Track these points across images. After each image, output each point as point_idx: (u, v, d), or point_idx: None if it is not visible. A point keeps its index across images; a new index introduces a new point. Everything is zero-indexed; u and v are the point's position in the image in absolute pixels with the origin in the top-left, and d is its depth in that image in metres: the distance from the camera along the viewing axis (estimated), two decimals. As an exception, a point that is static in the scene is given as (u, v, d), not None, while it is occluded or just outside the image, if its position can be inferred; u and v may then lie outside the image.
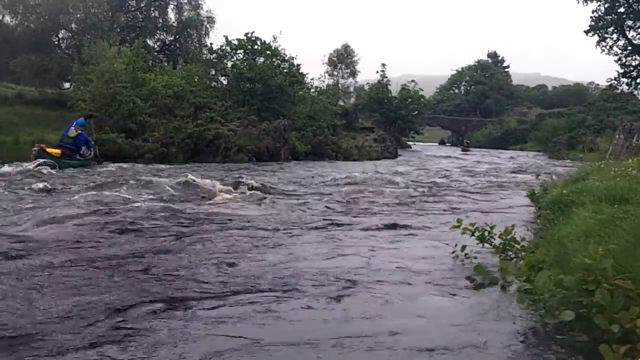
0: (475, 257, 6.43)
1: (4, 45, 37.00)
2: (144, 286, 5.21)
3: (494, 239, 6.45)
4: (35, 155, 18.34)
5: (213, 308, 4.67)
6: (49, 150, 18.92)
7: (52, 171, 16.62)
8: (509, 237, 6.33)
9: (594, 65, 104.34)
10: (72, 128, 20.47)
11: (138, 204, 10.15)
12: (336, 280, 5.60)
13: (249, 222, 8.98)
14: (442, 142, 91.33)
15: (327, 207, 11.41)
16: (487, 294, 5.21)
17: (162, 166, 21.60)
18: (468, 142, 68.60)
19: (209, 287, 5.25)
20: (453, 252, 6.67)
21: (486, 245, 6.62)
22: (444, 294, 5.26)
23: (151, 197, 11.54)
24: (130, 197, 11.11)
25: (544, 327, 4.15)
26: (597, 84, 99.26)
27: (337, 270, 6.00)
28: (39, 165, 17.29)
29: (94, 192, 11.45)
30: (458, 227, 6.69)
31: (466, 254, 6.47)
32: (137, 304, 4.66)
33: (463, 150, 58.01)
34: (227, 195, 12.11)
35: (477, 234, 6.56)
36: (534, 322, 4.33)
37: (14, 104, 30.72)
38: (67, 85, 41.47)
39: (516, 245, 6.22)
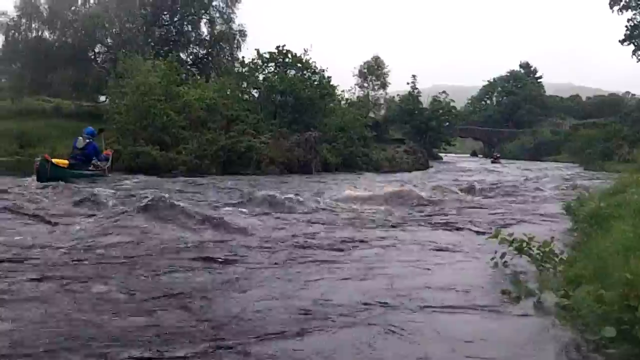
0: (509, 267, 6.39)
1: (43, 60, 37.75)
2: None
3: (532, 250, 6.37)
4: (38, 166, 16.69)
5: (225, 346, 4.15)
6: (55, 161, 17.26)
7: (60, 184, 15.02)
8: (547, 249, 6.25)
9: (630, 75, 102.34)
10: (80, 138, 18.95)
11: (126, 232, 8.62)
12: (364, 305, 5.20)
13: (266, 242, 8.41)
14: (473, 154, 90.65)
15: (351, 223, 10.95)
16: (525, 309, 5.14)
17: (182, 179, 21.28)
18: (498, 154, 68.00)
19: (219, 323, 4.66)
20: (493, 259, 6.62)
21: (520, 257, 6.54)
22: (480, 310, 5.14)
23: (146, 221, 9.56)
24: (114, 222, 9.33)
25: (585, 343, 4.10)
26: (633, 94, 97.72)
27: (366, 294, 5.60)
28: (40, 180, 16.00)
29: (75, 217, 10.07)
30: (495, 237, 6.58)
31: (502, 263, 6.44)
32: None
33: (493, 163, 57.59)
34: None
35: (515, 244, 6.46)
36: (573, 337, 4.28)
37: (51, 117, 31.53)
38: (102, 98, 42.11)
39: (555, 258, 6.14)
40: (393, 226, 10.71)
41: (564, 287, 5.01)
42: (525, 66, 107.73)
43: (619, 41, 57.37)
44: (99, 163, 19.27)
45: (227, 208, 12.17)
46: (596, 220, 7.34)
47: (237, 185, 18.93)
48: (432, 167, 42.62)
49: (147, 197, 11.67)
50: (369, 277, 6.47)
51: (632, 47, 57.04)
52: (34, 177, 16.53)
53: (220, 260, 7.11)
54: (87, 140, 18.78)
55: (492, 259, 6.62)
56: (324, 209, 12.83)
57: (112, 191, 14.09)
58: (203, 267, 6.75)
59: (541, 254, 6.22)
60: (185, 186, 18.38)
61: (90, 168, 18.90)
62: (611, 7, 55.75)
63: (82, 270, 6.35)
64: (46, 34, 39.63)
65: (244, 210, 11.88)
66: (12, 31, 38.55)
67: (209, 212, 10.67)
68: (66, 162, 17.98)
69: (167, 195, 11.59)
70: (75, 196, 12.78)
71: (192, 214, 10.02)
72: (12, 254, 6.93)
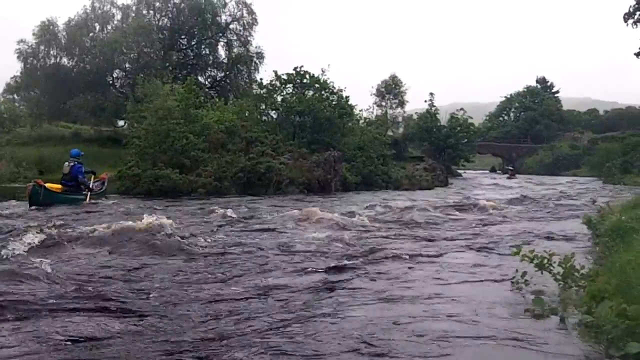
0: (530, 285, 6.37)
1: (62, 86, 38.17)
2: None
3: (553, 266, 6.33)
4: (31, 191, 16.46)
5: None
6: (48, 185, 17.07)
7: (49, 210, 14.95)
8: (568, 265, 6.21)
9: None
10: (66, 164, 18.55)
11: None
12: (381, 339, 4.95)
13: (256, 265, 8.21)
14: (492, 170, 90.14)
15: (370, 241, 10.78)
16: (548, 327, 5.10)
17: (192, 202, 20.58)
18: (511, 168, 67.67)
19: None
20: (514, 278, 6.59)
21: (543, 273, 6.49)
22: (503, 328, 5.11)
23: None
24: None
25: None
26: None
27: (383, 319, 5.49)
28: (32, 204, 15.99)
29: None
30: (517, 254, 6.55)
31: (523, 281, 6.42)
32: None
33: (508, 178, 57.25)
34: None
35: (535, 261, 6.42)
36: (597, 354, 4.25)
37: (70, 143, 31.71)
38: (121, 123, 42.55)
39: (576, 274, 6.09)
40: (407, 246, 10.44)
41: (587, 303, 4.98)
42: (542, 81, 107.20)
43: (635, 54, 56.99)
44: (97, 187, 19.21)
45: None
46: (618, 234, 7.31)
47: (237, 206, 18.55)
48: (451, 184, 42.46)
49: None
50: (387, 304, 6.28)
51: (647, 60, 56.53)
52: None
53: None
54: (71, 164, 18.44)
55: (513, 277, 6.60)
56: (342, 228, 12.60)
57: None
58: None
59: (562, 270, 6.18)
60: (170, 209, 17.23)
61: (84, 192, 18.50)
62: (625, 21, 55.46)
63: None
64: (64, 60, 40.06)
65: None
66: (31, 58, 39.03)
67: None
68: (59, 186, 17.89)
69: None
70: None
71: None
72: None
